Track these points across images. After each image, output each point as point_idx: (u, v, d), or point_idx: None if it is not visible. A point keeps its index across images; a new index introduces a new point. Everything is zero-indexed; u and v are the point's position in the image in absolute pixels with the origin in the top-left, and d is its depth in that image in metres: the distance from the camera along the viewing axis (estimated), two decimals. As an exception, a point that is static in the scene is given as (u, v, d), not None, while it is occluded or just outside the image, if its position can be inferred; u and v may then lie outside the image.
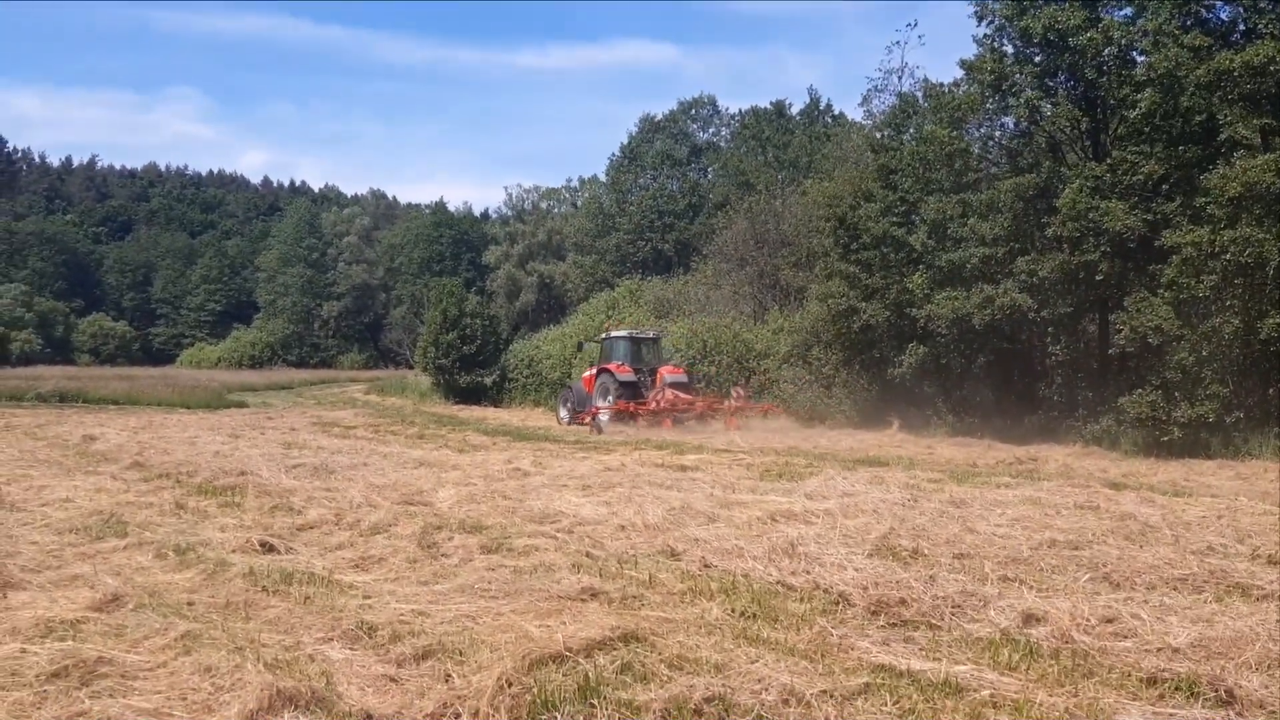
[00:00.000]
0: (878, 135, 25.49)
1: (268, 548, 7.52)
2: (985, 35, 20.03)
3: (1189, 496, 10.59)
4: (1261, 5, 16.47)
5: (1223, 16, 17.66)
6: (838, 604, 5.95)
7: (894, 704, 4.25)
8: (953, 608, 5.66)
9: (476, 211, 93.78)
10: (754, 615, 5.68)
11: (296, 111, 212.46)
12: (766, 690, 4.26)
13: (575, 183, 72.24)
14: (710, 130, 58.92)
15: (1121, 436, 16.96)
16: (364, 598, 6.13)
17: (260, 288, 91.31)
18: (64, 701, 4.20)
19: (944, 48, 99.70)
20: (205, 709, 4.14)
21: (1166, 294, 16.32)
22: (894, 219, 21.72)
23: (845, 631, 5.31)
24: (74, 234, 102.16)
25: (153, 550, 7.47)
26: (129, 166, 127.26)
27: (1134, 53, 18.13)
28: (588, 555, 7.32)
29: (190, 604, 5.93)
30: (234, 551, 7.39)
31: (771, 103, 53.52)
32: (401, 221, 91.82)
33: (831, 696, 4.27)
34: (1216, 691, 4.35)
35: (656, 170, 56.12)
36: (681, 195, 54.67)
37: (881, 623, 5.58)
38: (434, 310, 37.66)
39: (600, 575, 6.59)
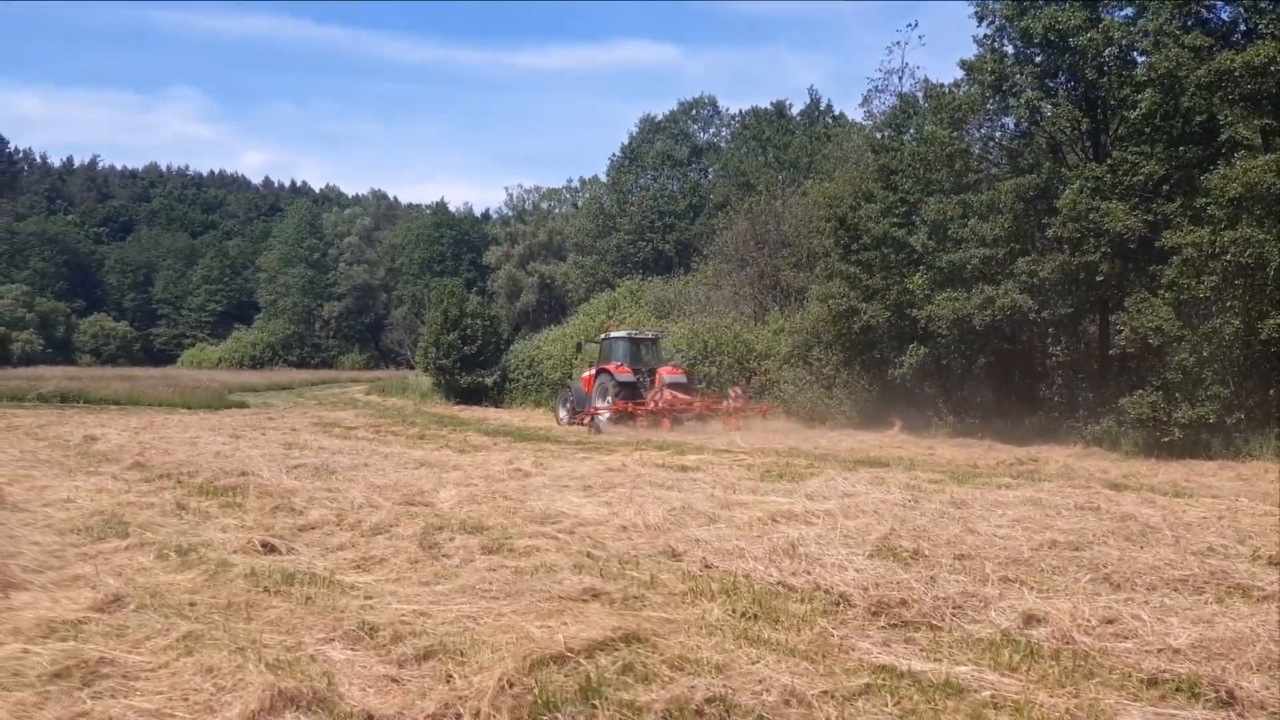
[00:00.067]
0: (878, 136, 25.49)
1: (269, 548, 7.53)
2: (985, 36, 20.04)
3: (1190, 497, 10.58)
4: (1262, 5, 16.46)
5: (1223, 17, 17.68)
6: (839, 605, 5.95)
7: (895, 705, 4.25)
8: (953, 608, 5.66)
9: (477, 212, 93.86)
10: (755, 616, 5.68)
11: (297, 112, 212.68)
12: (767, 691, 4.27)
13: (576, 183, 72.31)
14: (711, 131, 58.93)
15: (1122, 437, 16.96)
16: (365, 598, 6.13)
17: (261, 288, 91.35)
18: (66, 702, 4.21)
19: (944, 48, 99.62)
20: (207, 709, 4.14)
21: (1167, 295, 16.31)
22: (894, 220, 21.72)
23: (846, 632, 5.32)
24: (75, 234, 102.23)
25: (154, 551, 7.47)
26: (130, 167, 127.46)
27: (1134, 53, 18.13)
28: (589, 556, 7.33)
29: (192, 604, 5.93)
30: (235, 552, 7.39)
31: (772, 103, 53.57)
32: (402, 222, 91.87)
33: (832, 697, 4.27)
34: (1217, 692, 4.35)
35: (657, 171, 56.13)
36: (682, 196, 54.67)
37: (882, 623, 5.58)
38: (435, 311, 37.67)
39: (601, 576, 6.59)
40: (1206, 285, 15.71)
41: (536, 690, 4.27)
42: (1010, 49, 19.77)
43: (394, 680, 4.52)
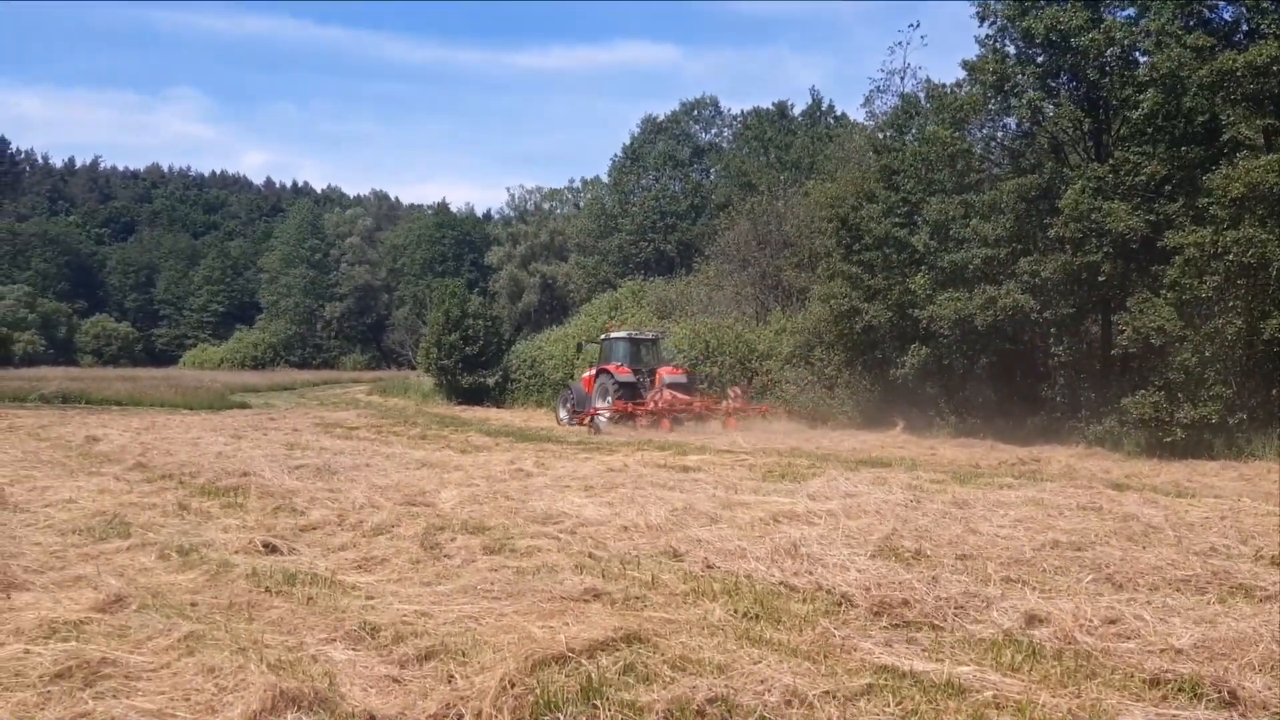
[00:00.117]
0: (880, 136, 25.48)
1: (270, 549, 7.53)
2: (987, 36, 20.05)
3: (1192, 497, 10.57)
4: (1264, 5, 16.45)
5: (1225, 17, 17.68)
6: (840, 605, 5.95)
7: (896, 705, 4.24)
8: (955, 609, 5.66)
9: (479, 212, 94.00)
10: (756, 616, 5.68)
11: (298, 112, 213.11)
12: (769, 691, 4.26)
13: (577, 183, 72.34)
14: (712, 131, 58.95)
15: (1124, 437, 16.95)
16: (367, 598, 6.13)
17: (263, 289, 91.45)
18: (67, 702, 4.20)
19: (946, 48, 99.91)
20: (208, 710, 4.14)
21: (1169, 295, 16.30)
22: (896, 220, 21.72)
23: (848, 632, 5.31)
24: (77, 235, 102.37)
25: (156, 551, 7.47)
26: (131, 167, 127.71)
27: (1136, 53, 18.13)
28: (590, 556, 7.32)
29: (193, 605, 5.93)
30: (237, 552, 7.39)
31: (774, 103, 53.60)
32: (404, 222, 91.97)
33: (834, 697, 4.27)
34: (1220, 693, 4.34)
35: (659, 171, 56.13)
36: (684, 196, 54.67)
37: (884, 624, 5.58)
38: (436, 311, 37.70)
39: (603, 576, 6.59)
40: (1209, 285, 15.69)
41: (538, 690, 4.27)
42: (1012, 49, 19.78)
43: (395, 680, 4.51)
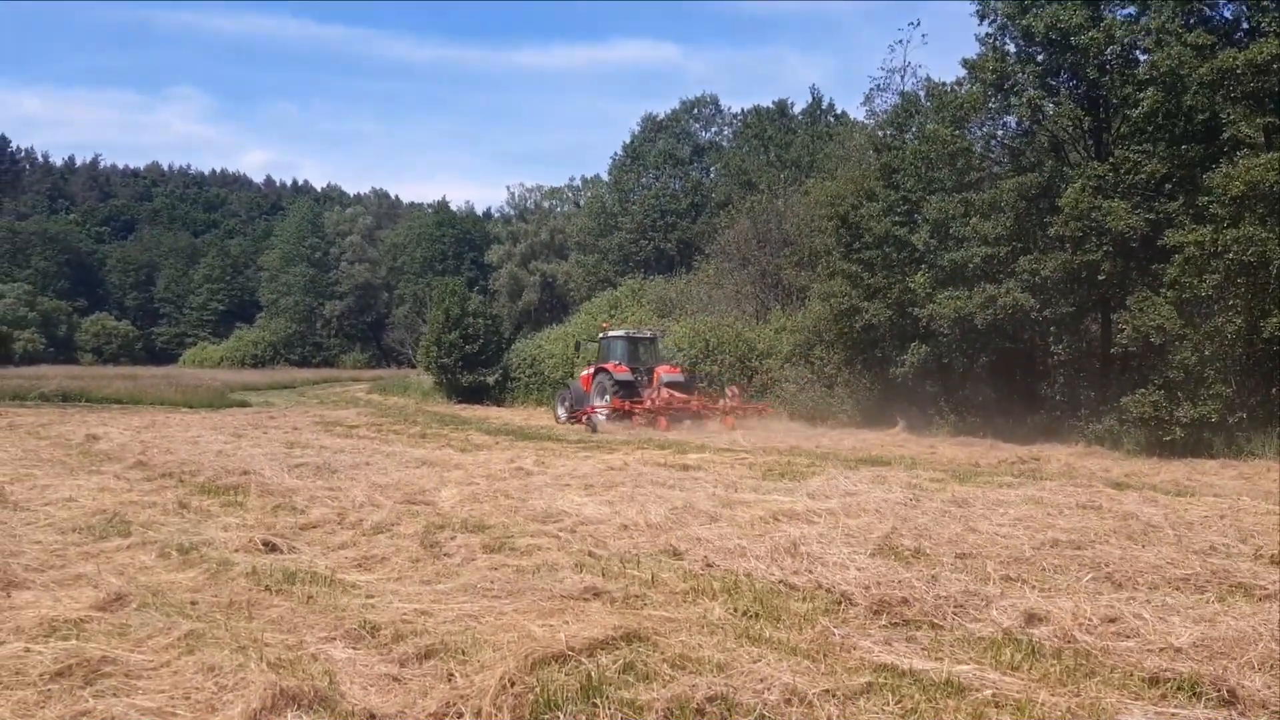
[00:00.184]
0: (880, 134, 25.47)
1: (271, 547, 7.53)
2: (987, 34, 20.04)
3: (1191, 496, 10.58)
4: (1264, 3, 16.45)
5: (1226, 15, 17.69)
6: (840, 603, 5.95)
7: (896, 704, 4.25)
8: (955, 607, 5.66)
9: (479, 211, 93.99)
10: (756, 615, 5.68)
11: (299, 111, 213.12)
12: (769, 690, 4.27)
13: (578, 182, 72.39)
14: (712, 130, 58.93)
15: (1124, 436, 16.94)
16: (367, 597, 6.13)
17: (263, 287, 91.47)
18: (68, 701, 4.21)
19: (947, 47, 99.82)
20: (208, 708, 4.14)
21: (1169, 293, 16.29)
22: (896, 218, 21.71)
23: (847, 631, 5.31)
24: (77, 234, 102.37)
25: (156, 549, 7.48)
26: (132, 166, 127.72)
27: (1136, 51, 18.11)
28: (590, 555, 7.33)
29: (193, 603, 5.93)
30: (237, 551, 7.40)
31: (774, 102, 53.54)
32: (404, 221, 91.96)
33: (834, 696, 4.27)
34: (1219, 692, 4.34)
35: (659, 169, 56.12)
36: (684, 194, 54.65)
37: (884, 622, 5.58)
38: (436, 309, 37.70)
39: (603, 575, 6.59)
40: (1208, 284, 15.69)
41: (538, 689, 4.27)
42: (1012, 47, 19.77)
43: (395, 679, 4.51)
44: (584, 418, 23.19)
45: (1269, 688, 4.33)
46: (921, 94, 24.81)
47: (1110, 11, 18.40)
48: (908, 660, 4.78)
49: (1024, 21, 18.74)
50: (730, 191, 43.07)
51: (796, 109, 52.87)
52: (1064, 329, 19.75)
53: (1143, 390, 16.56)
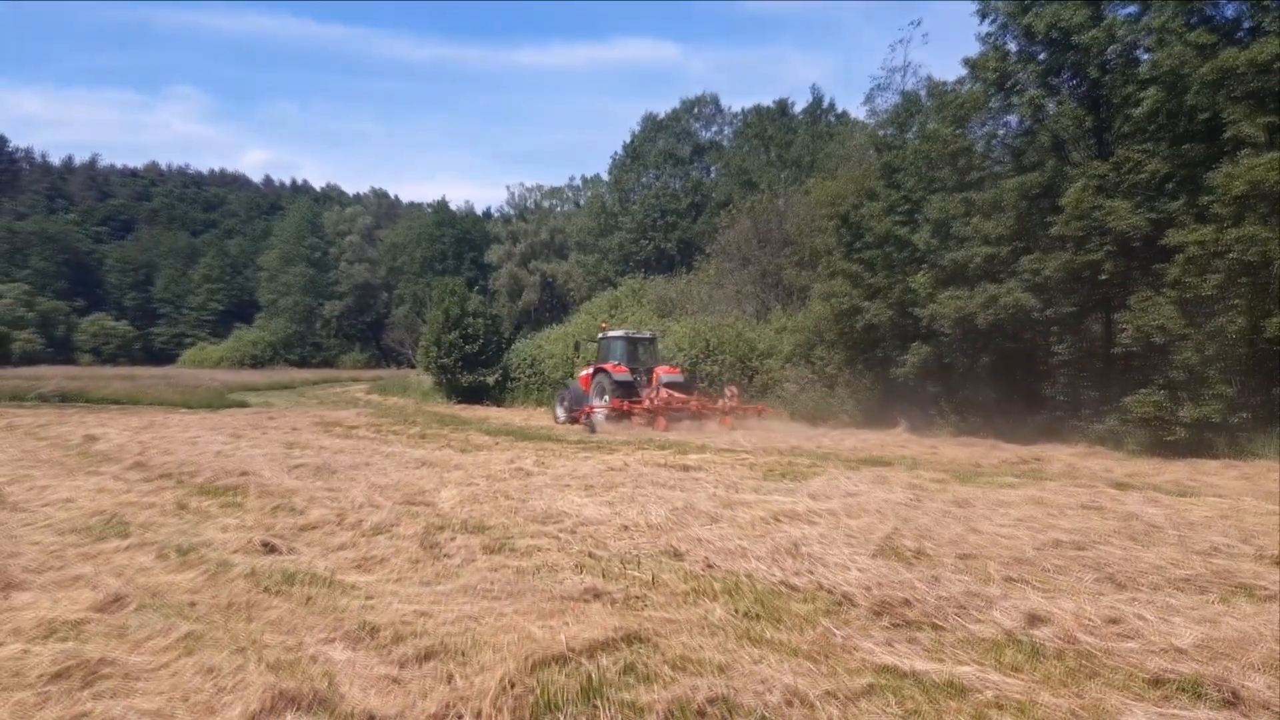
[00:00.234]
0: (881, 134, 25.44)
1: (270, 548, 7.51)
2: (988, 33, 20.03)
3: (1194, 497, 10.56)
4: (1266, 2, 16.43)
5: (1228, 14, 17.63)
6: (841, 604, 5.93)
7: (897, 705, 4.23)
8: (956, 608, 5.64)
9: (479, 210, 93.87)
10: (757, 616, 5.66)
11: (298, 110, 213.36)
12: (770, 691, 4.25)
13: (578, 181, 72.30)
14: (713, 129, 58.91)
15: (1126, 436, 16.92)
16: (366, 598, 6.11)
17: (262, 287, 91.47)
18: (66, 702, 4.19)
19: (948, 46, 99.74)
20: (207, 710, 4.13)
21: (1171, 293, 16.27)
22: (897, 218, 21.69)
23: (849, 632, 5.30)
24: (75, 233, 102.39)
25: (154, 551, 7.46)
26: (130, 166, 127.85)
27: (1138, 50, 18.09)
28: (590, 555, 7.31)
29: (192, 605, 5.92)
30: (236, 552, 7.38)
31: (774, 101, 53.52)
32: (403, 220, 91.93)
33: (835, 697, 4.25)
34: (1221, 693, 4.33)
35: (659, 169, 56.10)
36: (684, 194, 54.64)
37: (885, 623, 5.56)
38: (436, 309, 37.68)
39: (603, 576, 6.58)
40: (1210, 284, 15.67)
41: (538, 690, 4.26)
42: (1013, 46, 19.76)
43: (395, 681, 4.50)
44: (582, 418, 23.21)
45: (1271, 689, 4.32)
46: (923, 93, 24.80)
47: (1111, 10, 18.38)
48: (909, 661, 4.77)
49: (1025, 20, 18.73)
50: (731, 191, 43.06)
51: (797, 108, 52.90)
52: (1066, 329, 19.73)
53: (1145, 390, 16.54)
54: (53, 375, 42.18)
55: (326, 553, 7.53)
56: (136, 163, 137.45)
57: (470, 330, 35.69)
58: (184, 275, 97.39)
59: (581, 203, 68.61)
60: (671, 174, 55.97)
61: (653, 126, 58.08)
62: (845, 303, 22.04)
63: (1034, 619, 5.40)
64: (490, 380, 35.84)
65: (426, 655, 4.82)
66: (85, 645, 4.88)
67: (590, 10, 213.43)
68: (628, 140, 58.45)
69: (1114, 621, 5.30)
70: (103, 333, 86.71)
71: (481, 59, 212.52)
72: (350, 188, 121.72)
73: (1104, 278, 17.78)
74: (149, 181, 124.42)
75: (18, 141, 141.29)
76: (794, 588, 6.32)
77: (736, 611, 5.73)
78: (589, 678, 4.41)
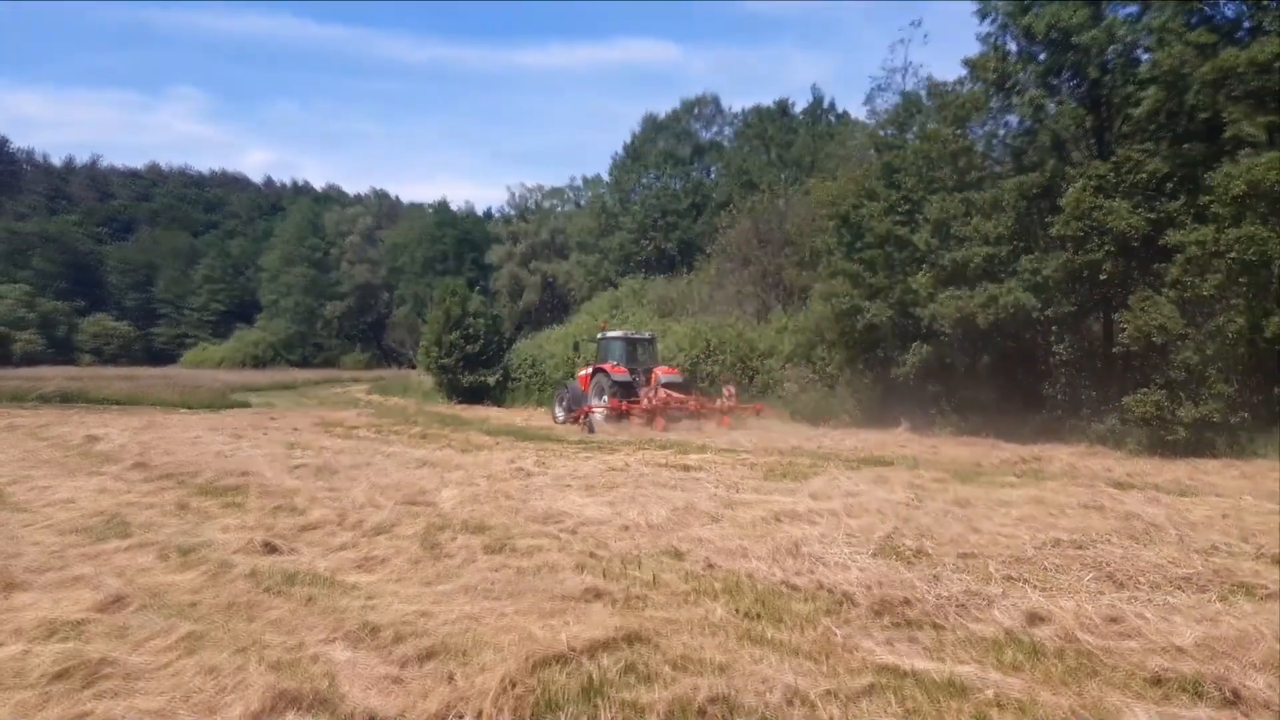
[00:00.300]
0: (881, 134, 25.43)
1: (270, 548, 7.52)
2: (988, 33, 20.03)
3: (1194, 496, 10.56)
4: (1266, 2, 16.43)
5: (1228, 14, 17.65)
6: (842, 604, 5.94)
7: (898, 704, 4.24)
8: (957, 607, 5.65)
9: (479, 211, 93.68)
10: (758, 615, 5.67)
11: (299, 111, 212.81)
12: (770, 691, 4.25)
13: (578, 182, 72.24)
14: (713, 129, 58.88)
15: (1126, 436, 16.92)
16: (367, 598, 6.12)
17: (263, 287, 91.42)
18: (67, 702, 4.20)
19: (948, 46, 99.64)
20: (208, 710, 4.13)
21: (1171, 293, 16.28)
22: (897, 218, 21.69)
23: (849, 632, 5.30)
24: (76, 234, 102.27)
25: (155, 551, 7.46)
26: (131, 166, 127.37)
27: (1138, 50, 18.10)
28: (591, 555, 7.31)
29: (193, 605, 5.92)
30: (237, 552, 7.38)
31: (775, 101, 53.50)
32: (404, 221, 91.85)
33: (836, 697, 4.26)
34: (1221, 692, 4.33)
35: (659, 169, 56.08)
36: (685, 194, 54.62)
37: (885, 623, 5.56)
38: (437, 310, 37.67)
39: (604, 575, 6.58)
40: (1210, 283, 15.67)
41: (539, 690, 4.26)
42: (1013, 46, 19.77)
43: (396, 680, 4.51)
44: (581, 417, 23.23)
45: (1272, 688, 4.32)
46: (923, 93, 24.75)
47: (1111, 10, 18.38)
48: (910, 661, 4.77)
49: (1025, 21, 18.73)
50: (731, 191, 43.07)
51: (797, 108, 52.89)
52: (1066, 329, 19.74)
53: (1145, 390, 16.55)
54: (54, 376, 42.21)
55: (327, 553, 7.54)
56: (137, 163, 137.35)
57: (471, 330, 35.69)
58: (185, 276, 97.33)
59: (582, 203, 68.58)
60: (672, 174, 55.94)
61: (653, 127, 58.07)
62: (845, 303, 22.04)
63: (1034, 618, 5.41)
64: (491, 380, 35.84)
65: (427, 655, 4.83)
66: (86, 645, 4.88)
67: (590, 10, 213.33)
68: (628, 140, 58.48)
69: (1114, 620, 5.31)
70: (104, 333, 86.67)
71: (481, 59, 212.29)
72: (351, 188, 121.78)
73: (1104, 278, 17.79)
74: (150, 182, 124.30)
75: (18, 142, 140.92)
76: (795, 587, 6.33)
77: (737, 611, 5.73)
78: (590, 677, 4.42)
